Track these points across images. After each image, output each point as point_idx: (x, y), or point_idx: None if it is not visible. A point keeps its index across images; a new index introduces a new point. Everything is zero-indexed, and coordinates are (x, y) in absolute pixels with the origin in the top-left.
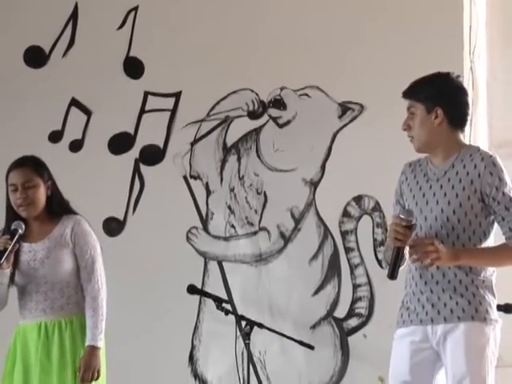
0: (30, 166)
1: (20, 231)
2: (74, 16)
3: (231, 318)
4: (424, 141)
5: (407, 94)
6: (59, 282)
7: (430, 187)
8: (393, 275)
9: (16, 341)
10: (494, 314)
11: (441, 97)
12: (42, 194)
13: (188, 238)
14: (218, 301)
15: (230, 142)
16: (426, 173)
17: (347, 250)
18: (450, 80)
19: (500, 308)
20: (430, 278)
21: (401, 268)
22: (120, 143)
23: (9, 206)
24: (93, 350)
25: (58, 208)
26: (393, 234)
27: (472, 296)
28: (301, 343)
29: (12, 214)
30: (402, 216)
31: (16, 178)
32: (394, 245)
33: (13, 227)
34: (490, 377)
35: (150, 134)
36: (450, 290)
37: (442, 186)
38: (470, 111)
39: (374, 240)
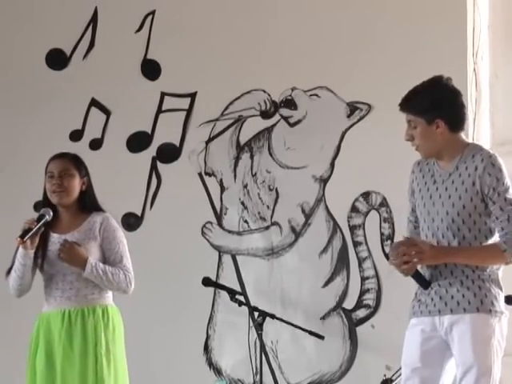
0: (70, 158)
1: (47, 217)
2: (93, 20)
3: (244, 309)
4: (431, 150)
5: (404, 108)
6: (90, 258)
7: (437, 189)
8: (426, 286)
9: (39, 328)
10: (500, 306)
11: (439, 108)
12: (76, 184)
13: (203, 233)
14: (232, 293)
15: (243, 141)
16: (433, 174)
17: (355, 244)
18: (443, 87)
19: None
20: (438, 275)
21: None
22: (138, 142)
23: (44, 195)
24: (84, 259)
25: (89, 204)
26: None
27: (478, 289)
28: (311, 333)
29: (46, 203)
30: (391, 257)
31: (54, 166)
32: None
33: (41, 212)
34: (496, 366)
35: (167, 132)
36: (457, 283)
37: (446, 189)
38: (466, 110)
39: (381, 234)
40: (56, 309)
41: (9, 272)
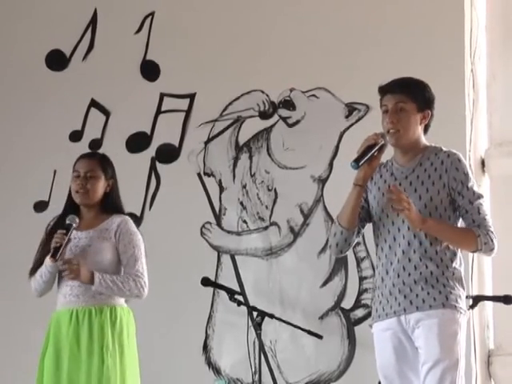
0: (97, 159)
1: (74, 225)
2: (93, 21)
3: (243, 308)
4: (410, 137)
5: (400, 89)
6: (96, 272)
7: (400, 184)
8: (358, 160)
9: (50, 326)
10: (464, 305)
11: (432, 103)
12: (100, 186)
13: (202, 233)
14: (231, 292)
15: (242, 141)
16: (393, 172)
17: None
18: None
19: (500, 299)
20: (402, 271)
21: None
22: (137, 142)
23: (69, 193)
24: (90, 274)
25: (112, 206)
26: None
27: (442, 286)
28: (310, 333)
29: (70, 201)
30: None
31: (81, 166)
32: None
33: (67, 221)
34: (463, 362)
35: (166, 133)
36: (422, 281)
37: (411, 183)
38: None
39: None
40: (65, 307)
41: (32, 273)
